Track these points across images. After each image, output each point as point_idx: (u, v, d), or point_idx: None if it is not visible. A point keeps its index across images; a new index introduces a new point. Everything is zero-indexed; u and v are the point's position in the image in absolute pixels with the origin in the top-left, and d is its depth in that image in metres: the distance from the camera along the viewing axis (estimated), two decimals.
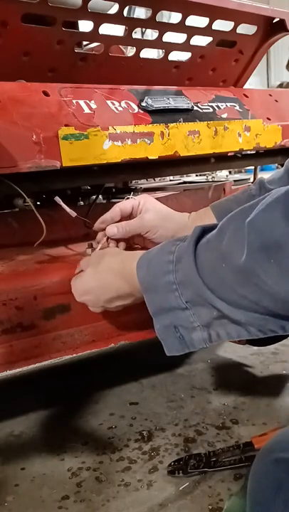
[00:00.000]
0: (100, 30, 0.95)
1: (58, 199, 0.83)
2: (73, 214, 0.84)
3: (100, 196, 1.16)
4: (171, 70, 1.15)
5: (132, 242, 0.87)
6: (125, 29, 1.00)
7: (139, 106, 0.90)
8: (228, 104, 1.05)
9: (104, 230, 0.83)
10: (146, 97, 0.92)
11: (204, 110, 0.99)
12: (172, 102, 0.94)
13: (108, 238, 0.83)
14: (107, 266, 0.70)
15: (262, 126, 1.05)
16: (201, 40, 1.11)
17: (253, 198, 0.78)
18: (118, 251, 0.77)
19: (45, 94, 0.82)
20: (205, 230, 0.55)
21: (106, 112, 0.86)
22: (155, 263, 0.58)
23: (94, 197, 1.14)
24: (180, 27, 1.04)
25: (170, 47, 1.09)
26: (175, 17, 1.03)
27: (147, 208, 0.83)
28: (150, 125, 0.88)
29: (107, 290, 0.69)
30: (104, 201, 1.22)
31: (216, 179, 1.74)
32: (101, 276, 0.70)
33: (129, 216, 0.84)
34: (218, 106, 1.03)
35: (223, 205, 0.84)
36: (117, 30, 1.01)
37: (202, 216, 0.84)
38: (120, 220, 0.83)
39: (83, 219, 0.92)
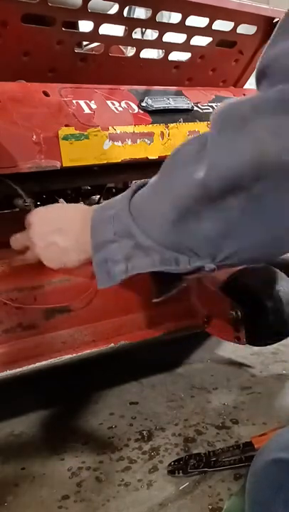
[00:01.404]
0: (100, 30, 0.95)
1: (61, 202, 0.83)
2: None
3: (99, 196, 1.16)
4: (171, 70, 1.15)
5: None
6: (125, 29, 1.00)
7: (139, 106, 0.91)
8: None
9: None
10: (146, 97, 0.92)
11: (204, 110, 1.00)
12: (172, 102, 0.94)
13: None
14: (59, 206, 0.74)
15: None
16: (201, 40, 1.11)
17: None
18: None
19: (45, 94, 0.82)
20: (144, 185, 0.60)
21: (106, 112, 0.86)
22: (107, 203, 0.63)
23: (96, 198, 1.14)
24: (180, 27, 1.05)
25: (170, 47, 1.09)
26: (175, 17, 1.03)
27: None
28: (150, 125, 0.88)
29: (55, 221, 0.70)
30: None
31: None
32: (52, 210, 0.72)
33: None
34: (218, 106, 1.03)
35: None
36: (117, 30, 1.01)
37: None
38: None
39: None
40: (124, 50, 1.19)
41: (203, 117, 0.97)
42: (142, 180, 0.60)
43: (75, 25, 1.11)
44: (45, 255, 0.72)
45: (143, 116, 0.89)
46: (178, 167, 0.53)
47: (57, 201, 0.86)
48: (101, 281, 0.62)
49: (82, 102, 0.84)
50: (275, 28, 0.48)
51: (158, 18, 1.01)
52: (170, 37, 1.06)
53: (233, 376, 1.32)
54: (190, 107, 0.96)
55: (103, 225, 0.60)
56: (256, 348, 1.44)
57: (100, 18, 0.93)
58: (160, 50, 1.12)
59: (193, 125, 0.94)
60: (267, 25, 1.16)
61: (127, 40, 1.02)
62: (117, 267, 0.60)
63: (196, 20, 1.03)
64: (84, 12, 0.90)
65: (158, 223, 0.54)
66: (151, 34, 1.57)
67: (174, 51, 1.11)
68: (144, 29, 1.38)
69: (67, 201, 1.05)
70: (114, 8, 0.96)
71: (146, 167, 1.00)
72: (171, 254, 0.54)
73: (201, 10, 1.01)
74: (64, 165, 0.78)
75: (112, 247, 0.59)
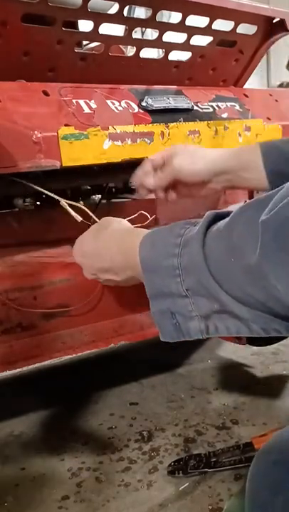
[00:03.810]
0: (100, 30, 0.95)
1: (63, 203, 0.83)
2: (78, 219, 0.84)
3: (100, 196, 1.16)
4: (171, 69, 1.15)
5: (176, 192, 0.85)
6: (125, 29, 1.00)
7: (139, 106, 0.90)
8: (228, 104, 1.05)
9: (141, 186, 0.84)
10: (146, 97, 0.92)
11: (204, 110, 0.99)
12: (172, 102, 0.94)
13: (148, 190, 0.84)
14: (109, 234, 0.68)
15: (262, 126, 1.05)
16: (201, 40, 1.11)
17: None
18: (127, 223, 0.75)
19: (45, 94, 0.82)
20: (218, 217, 0.51)
21: (106, 111, 0.86)
22: (161, 243, 0.54)
23: (96, 198, 1.13)
24: (180, 27, 1.04)
25: (170, 47, 1.09)
26: (175, 17, 1.03)
27: (176, 153, 0.82)
28: (150, 125, 0.88)
29: (102, 258, 0.67)
30: (104, 201, 1.22)
31: None
32: (100, 242, 0.69)
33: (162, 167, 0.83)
34: (218, 106, 1.03)
35: (274, 146, 0.81)
36: (117, 30, 1.01)
37: (244, 155, 0.81)
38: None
39: (88, 223, 0.92)
40: (124, 50, 1.19)
41: (203, 117, 0.97)
42: (207, 218, 0.50)
43: (75, 25, 1.11)
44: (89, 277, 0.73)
45: (143, 115, 0.89)
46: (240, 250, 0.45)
47: (58, 201, 0.86)
48: (165, 335, 0.55)
49: (82, 102, 0.84)
50: None
51: (158, 18, 1.00)
52: (170, 36, 1.06)
53: (233, 377, 1.32)
54: (190, 107, 0.96)
55: (165, 274, 0.52)
56: (256, 349, 1.44)
57: (100, 17, 0.93)
58: (160, 50, 1.12)
59: (193, 125, 0.94)
60: (267, 25, 1.16)
61: (127, 39, 1.02)
62: (190, 323, 0.52)
63: (196, 20, 1.03)
64: (84, 12, 0.89)
65: (266, 301, 0.46)
66: (151, 34, 1.58)
67: (174, 51, 1.11)
68: (144, 29, 1.38)
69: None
70: (114, 8, 0.95)
71: None
72: (282, 324, 0.47)
73: (201, 9, 1.01)
74: (64, 164, 0.77)
75: (182, 302, 0.52)
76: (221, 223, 0.50)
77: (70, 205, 0.80)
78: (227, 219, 0.49)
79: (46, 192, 0.81)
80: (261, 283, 0.44)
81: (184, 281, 0.51)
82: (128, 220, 0.77)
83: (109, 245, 0.67)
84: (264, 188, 0.79)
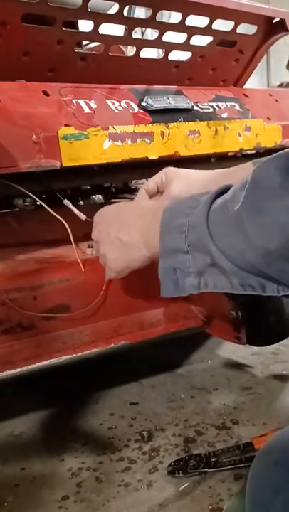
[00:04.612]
0: (99, 30, 0.95)
1: (66, 202, 0.83)
2: (83, 217, 0.84)
3: (100, 196, 1.16)
4: (171, 69, 1.15)
5: None
6: (125, 29, 1.00)
7: (139, 106, 0.90)
8: (228, 104, 1.05)
9: None
10: (146, 97, 0.92)
11: (204, 110, 0.99)
12: (172, 102, 0.94)
13: None
14: (133, 205, 0.70)
15: (262, 125, 1.05)
16: (201, 40, 1.11)
17: None
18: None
19: (45, 94, 0.82)
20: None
21: (106, 111, 0.86)
22: (179, 206, 0.59)
23: (96, 198, 1.13)
24: (180, 27, 1.04)
25: (170, 47, 1.09)
26: (175, 17, 1.03)
27: (170, 179, 0.82)
28: (150, 125, 0.88)
29: (121, 225, 0.67)
30: (104, 201, 1.22)
31: None
32: (122, 211, 0.69)
33: (157, 194, 0.84)
34: (218, 106, 1.03)
35: None
36: (117, 30, 1.01)
37: (238, 175, 0.82)
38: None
39: (91, 220, 0.92)
40: (124, 50, 1.19)
41: (203, 117, 0.97)
42: (220, 188, 0.55)
43: (75, 25, 1.11)
44: (109, 253, 0.70)
45: (143, 115, 0.89)
46: (264, 200, 0.48)
47: (61, 201, 0.86)
48: (165, 290, 0.59)
49: (82, 102, 0.84)
50: None
51: (158, 18, 1.01)
52: (170, 36, 1.06)
53: (233, 377, 1.32)
54: (190, 107, 0.96)
55: (175, 231, 0.56)
56: (256, 349, 1.44)
57: (100, 17, 0.93)
58: (160, 50, 1.12)
59: (193, 124, 0.94)
60: (267, 25, 1.16)
61: (127, 39, 1.02)
62: (187, 279, 0.57)
63: (196, 20, 1.03)
64: (84, 12, 0.89)
65: (242, 251, 0.50)
66: (151, 34, 1.58)
67: (174, 51, 1.11)
68: (144, 29, 1.38)
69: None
70: (114, 8, 0.96)
71: (147, 167, 1.00)
72: (256, 280, 0.52)
73: (201, 9, 1.01)
74: (64, 164, 0.77)
75: (184, 258, 0.56)
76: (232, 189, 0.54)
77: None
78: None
79: (38, 199, 0.81)
80: (240, 230, 0.49)
81: (187, 237, 0.55)
82: None
83: (127, 208, 0.69)
84: None
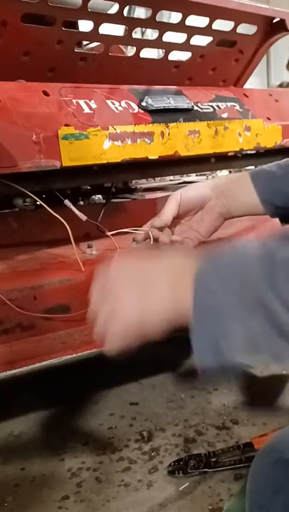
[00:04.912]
0: (100, 30, 0.95)
1: (67, 202, 0.83)
2: (84, 218, 0.84)
3: (100, 196, 1.16)
4: (171, 69, 1.15)
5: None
6: (125, 29, 1.00)
7: (139, 106, 0.90)
8: (229, 104, 1.05)
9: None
10: (146, 97, 0.91)
11: (204, 110, 0.99)
12: (172, 102, 0.94)
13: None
14: (159, 265, 0.54)
15: (262, 125, 1.05)
16: (201, 40, 1.11)
17: None
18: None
19: (45, 94, 0.82)
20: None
21: (106, 111, 0.86)
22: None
23: (96, 198, 1.13)
24: (180, 27, 1.04)
25: (170, 47, 1.09)
26: (175, 17, 1.03)
27: (177, 192, 0.86)
28: (150, 125, 0.88)
29: (145, 287, 0.53)
30: (104, 201, 1.22)
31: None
32: (149, 270, 0.54)
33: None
34: (218, 106, 1.03)
35: (264, 175, 0.83)
36: (117, 30, 1.01)
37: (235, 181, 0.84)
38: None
39: (95, 223, 0.92)
40: (124, 50, 1.19)
41: (203, 117, 0.97)
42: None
43: (75, 25, 1.11)
44: (123, 303, 0.55)
45: (143, 115, 0.89)
46: None
47: (61, 201, 0.86)
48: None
49: (82, 102, 0.84)
50: None
51: (158, 18, 1.00)
52: (170, 36, 1.06)
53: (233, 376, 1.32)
54: (190, 107, 0.96)
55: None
56: None
57: (100, 17, 0.93)
58: (160, 50, 1.12)
59: (193, 124, 0.94)
60: (267, 25, 1.16)
61: (127, 39, 1.02)
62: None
63: (196, 20, 1.03)
64: (84, 12, 0.89)
65: None
66: (151, 34, 1.58)
67: (174, 51, 1.11)
68: (144, 29, 1.38)
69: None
70: (114, 8, 0.95)
71: (147, 167, 1.00)
72: None
73: (201, 9, 1.01)
74: (64, 164, 0.77)
75: None
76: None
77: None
78: None
79: (38, 199, 0.81)
80: None
81: None
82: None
83: (148, 268, 0.55)
84: (259, 212, 0.82)
